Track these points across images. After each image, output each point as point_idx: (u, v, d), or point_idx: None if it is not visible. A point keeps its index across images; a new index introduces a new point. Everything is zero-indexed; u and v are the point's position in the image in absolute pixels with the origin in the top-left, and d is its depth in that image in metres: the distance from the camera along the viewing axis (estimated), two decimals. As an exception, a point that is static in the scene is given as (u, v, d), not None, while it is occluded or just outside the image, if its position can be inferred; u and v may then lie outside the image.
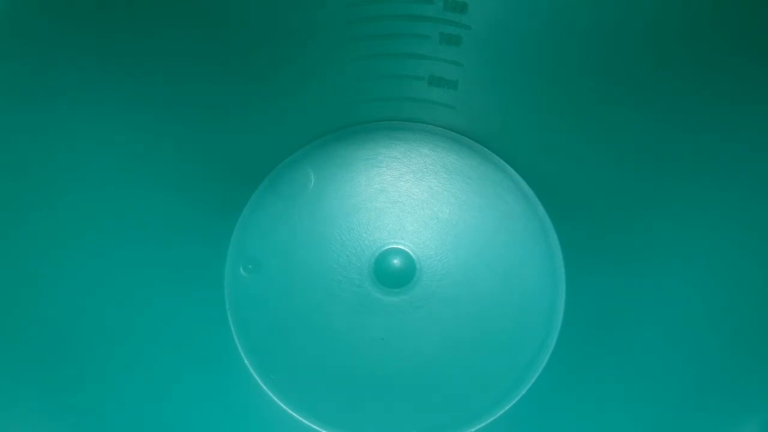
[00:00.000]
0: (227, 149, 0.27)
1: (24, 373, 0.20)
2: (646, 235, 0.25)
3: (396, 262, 0.28)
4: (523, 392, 0.27)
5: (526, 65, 0.25)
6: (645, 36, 0.22)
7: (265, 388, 0.28)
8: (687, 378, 0.22)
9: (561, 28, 0.23)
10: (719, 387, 0.21)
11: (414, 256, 0.28)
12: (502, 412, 0.27)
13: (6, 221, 0.20)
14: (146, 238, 0.25)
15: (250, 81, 0.26)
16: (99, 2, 0.21)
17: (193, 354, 0.26)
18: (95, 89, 0.22)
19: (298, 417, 0.27)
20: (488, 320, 0.28)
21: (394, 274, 0.28)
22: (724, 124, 0.22)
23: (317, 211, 0.29)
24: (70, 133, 0.22)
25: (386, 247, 0.28)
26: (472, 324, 0.28)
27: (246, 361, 0.28)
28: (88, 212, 0.23)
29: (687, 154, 0.23)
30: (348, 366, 0.27)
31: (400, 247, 0.28)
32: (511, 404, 0.27)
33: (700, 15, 0.21)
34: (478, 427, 0.27)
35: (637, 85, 0.23)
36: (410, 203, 0.29)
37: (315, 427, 0.27)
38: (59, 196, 0.22)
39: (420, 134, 0.30)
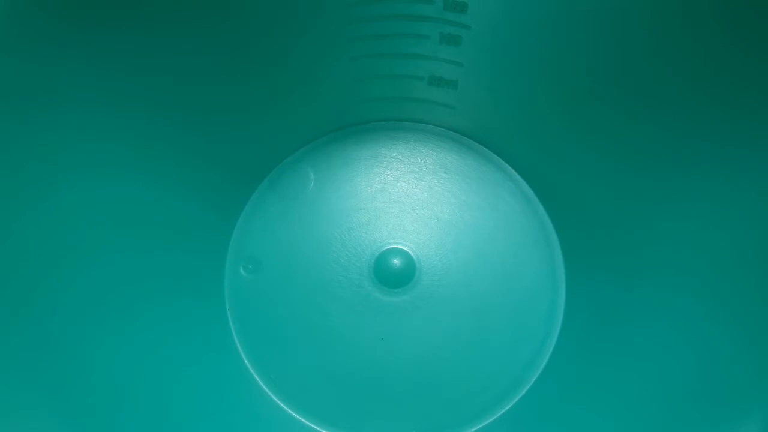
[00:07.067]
0: (227, 149, 0.27)
1: (22, 372, 0.20)
2: (646, 236, 0.25)
3: (396, 262, 0.28)
4: (523, 392, 0.27)
5: (526, 65, 0.25)
6: (646, 38, 0.22)
7: (265, 388, 0.28)
8: (687, 378, 0.22)
9: (561, 28, 0.23)
10: (719, 387, 0.21)
11: (414, 256, 0.28)
12: (502, 412, 0.27)
13: (5, 223, 0.20)
14: (146, 237, 0.25)
15: (250, 81, 0.26)
16: (100, 4, 0.21)
17: (193, 354, 0.26)
18: (94, 89, 0.22)
19: (298, 417, 0.27)
20: (488, 320, 0.28)
21: (394, 274, 0.28)
22: (727, 129, 0.22)
23: (317, 211, 0.29)
24: (68, 133, 0.22)
25: (386, 247, 0.28)
26: (472, 324, 0.28)
27: (246, 361, 0.28)
28: (87, 212, 0.23)
29: (688, 156, 0.23)
30: (348, 366, 0.27)
31: (400, 247, 0.28)
32: (511, 404, 0.27)
33: (704, 17, 0.21)
34: (478, 427, 0.27)
35: (638, 86, 0.23)
36: (410, 203, 0.29)
37: (315, 427, 0.27)
38: (59, 196, 0.22)
39: (420, 134, 0.30)
